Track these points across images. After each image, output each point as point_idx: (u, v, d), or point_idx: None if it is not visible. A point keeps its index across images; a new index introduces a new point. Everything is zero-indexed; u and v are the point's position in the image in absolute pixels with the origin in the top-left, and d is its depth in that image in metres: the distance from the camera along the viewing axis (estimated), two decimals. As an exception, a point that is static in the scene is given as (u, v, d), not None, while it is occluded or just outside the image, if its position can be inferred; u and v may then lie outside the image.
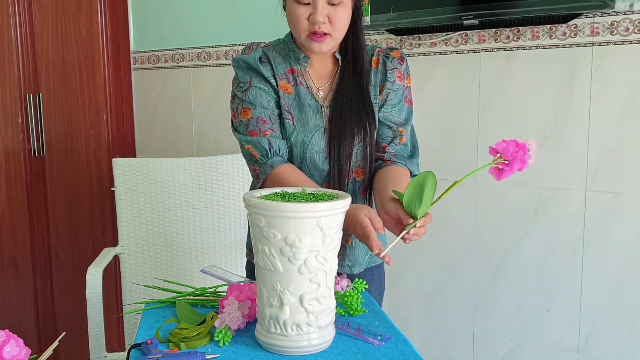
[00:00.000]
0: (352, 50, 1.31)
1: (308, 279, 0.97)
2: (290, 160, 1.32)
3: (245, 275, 1.42)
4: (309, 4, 1.22)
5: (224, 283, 1.29)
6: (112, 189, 2.17)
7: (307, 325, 0.98)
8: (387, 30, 1.92)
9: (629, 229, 1.64)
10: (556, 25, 1.68)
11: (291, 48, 1.34)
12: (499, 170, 0.99)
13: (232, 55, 2.36)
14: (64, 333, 1.09)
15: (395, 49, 1.39)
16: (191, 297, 1.25)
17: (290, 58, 1.34)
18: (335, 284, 1.17)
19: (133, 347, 1.03)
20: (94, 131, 2.58)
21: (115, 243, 2.27)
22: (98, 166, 2.60)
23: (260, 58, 1.32)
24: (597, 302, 1.71)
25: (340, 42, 1.29)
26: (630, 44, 1.59)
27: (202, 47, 2.44)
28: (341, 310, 1.17)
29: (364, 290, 1.24)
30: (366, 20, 1.86)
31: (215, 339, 1.05)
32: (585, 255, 1.72)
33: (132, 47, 2.65)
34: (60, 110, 2.52)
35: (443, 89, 1.91)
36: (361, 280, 1.25)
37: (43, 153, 2.51)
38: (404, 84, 1.36)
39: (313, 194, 1.06)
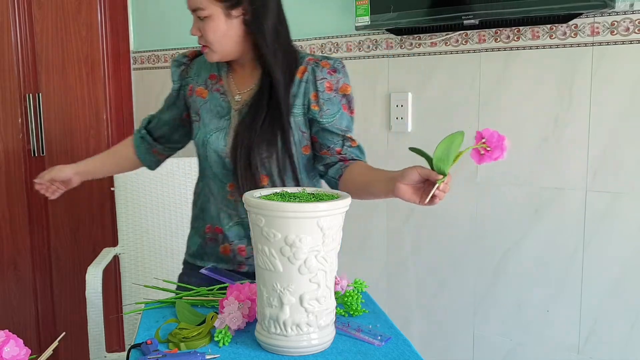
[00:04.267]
0: (260, 59, 1.36)
1: (308, 279, 0.97)
2: (199, 159, 1.46)
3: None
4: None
5: (224, 283, 1.29)
6: (112, 189, 2.17)
7: (307, 325, 0.98)
8: (387, 30, 1.92)
9: (629, 229, 1.64)
10: (556, 25, 1.68)
11: None
12: (480, 155, 1.06)
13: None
14: (64, 333, 1.09)
15: (327, 58, 1.40)
16: (191, 297, 1.25)
17: (214, 65, 1.44)
18: (335, 284, 1.17)
19: (133, 347, 1.03)
20: (94, 131, 2.58)
21: (115, 243, 2.27)
22: (98, 166, 2.59)
23: (181, 62, 1.49)
24: (597, 302, 1.71)
25: (229, 52, 1.36)
26: (631, 44, 1.59)
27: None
28: (341, 310, 1.17)
29: (364, 290, 1.24)
30: (366, 20, 1.86)
31: (215, 339, 1.05)
32: (585, 255, 1.72)
33: (132, 47, 2.65)
34: (60, 110, 2.52)
35: (443, 89, 1.91)
36: (361, 280, 1.25)
37: (43, 153, 2.51)
38: (338, 94, 1.37)
39: (313, 194, 1.06)
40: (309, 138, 1.40)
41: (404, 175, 1.11)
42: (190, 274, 1.51)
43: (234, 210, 1.40)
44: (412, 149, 1.10)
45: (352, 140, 1.39)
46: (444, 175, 1.06)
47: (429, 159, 1.07)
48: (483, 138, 1.03)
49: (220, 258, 1.45)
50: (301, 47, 2.17)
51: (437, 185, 1.06)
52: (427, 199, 1.08)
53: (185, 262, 1.56)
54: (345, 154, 1.38)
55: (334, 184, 1.39)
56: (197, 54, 1.49)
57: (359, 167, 1.35)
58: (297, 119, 1.36)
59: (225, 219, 1.41)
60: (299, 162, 1.39)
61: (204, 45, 1.35)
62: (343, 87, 1.38)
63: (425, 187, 1.10)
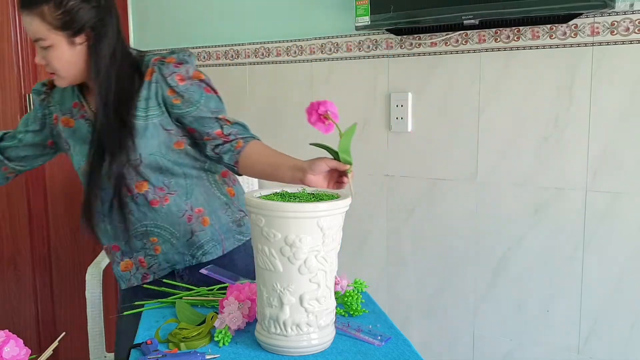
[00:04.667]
0: (95, 78, 1.38)
1: (308, 279, 0.97)
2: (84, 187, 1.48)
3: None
4: None
5: (224, 283, 1.29)
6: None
7: (307, 325, 0.98)
8: (387, 30, 1.92)
9: (629, 229, 1.64)
10: (556, 25, 1.68)
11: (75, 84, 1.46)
12: (326, 126, 1.11)
13: (232, 55, 2.36)
14: (64, 333, 1.09)
15: (172, 53, 1.44)
16: (191, 297, 1.25)
17: (75, 93, 1.47)
18: (335, 284, 1.17)
19: (133, 347, 1.03)
20: (94, 131, 2.58)
21: (115, 243, 2.26)
22: (98, 166, 2.59)
23: (40, 91, 1.52)
24: (597, 302, 1.71)
25: (77, 76, 1.39)
26: (631, 44, 1.59)
27: (202, 47, 2.44)
28: (341, 310, 1.17)
29: (364, 290, 1.24)
30: (366, 20, 1.86)
31: (215, 339, 1.05)
32: (585, 255, 1.72)
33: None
34: (60, 110, 2.52)
35: (443, 89, 1.90)
36: (361, 280, 1.25)
37: (43, 153, 2.50)
38: (194, 81, 1.41)
39: (313, 194, 1.06)
40: (182, 133, 1.43)
41: (313, 167, 1.17)
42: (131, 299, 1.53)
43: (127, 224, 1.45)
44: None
45: (227, 120, 1.42)
46: (350, 164, 1.14)
47: (333, 153, 1.16)
48: (327, 111, 1.10)
49: (121, 277, 1.51)
50: (301, 47, 2.17)
51: (347, 173, 1.15)
52: (341, 187, 1.18)
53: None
54: (228, 134, 1.40)
55: (236, 172, 1.43)
56: (50, 81, 1.51)
57: (256, 151, 1.38)
58: (154, 121, 1.39)
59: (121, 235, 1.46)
60: (173, 159, 1.42)
61: (51, 72, 1.37)
62: (195, 74, 1.42)
63: (331, 174, 1.18)
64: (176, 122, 1.42)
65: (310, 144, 1.18)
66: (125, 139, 1.37)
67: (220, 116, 1.42)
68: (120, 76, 1.38)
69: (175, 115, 1.41)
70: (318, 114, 1.10)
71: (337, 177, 1.18)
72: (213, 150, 1.41)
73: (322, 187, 1.17)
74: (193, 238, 1.46)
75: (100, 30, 1.34)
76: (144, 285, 1.43)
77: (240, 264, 1.51)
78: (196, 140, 1.44)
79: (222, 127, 1.40)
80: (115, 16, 1.38)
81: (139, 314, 1.24)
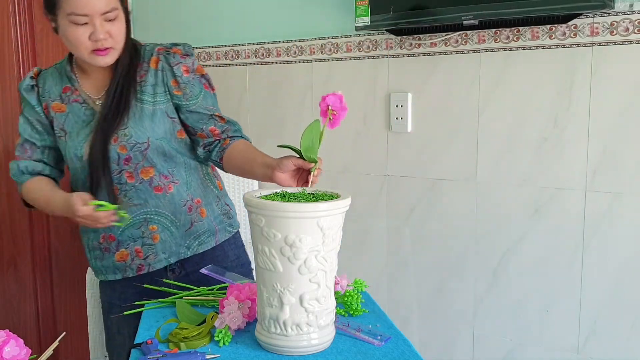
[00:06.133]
0: (128, 56, 1.41)
1: (308, 279, 0.97)
2: (75, 174, 1.45)
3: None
4: (85, 24, 1.30)
5: (224, 283, 1.29)
6: (112, 189, 2.17)
7: (307, 325, 0.98)
8: (387, 30, 1.92)
9: (629, 229, 1.64)
10: (556, 25, 1.68)
11: (65, 68, 1.46)
12: (331, 122, 1.12)
13: (232, 56, 2.36)
14: (64, 333, 1.09)
15: (176, 44, 1.47)
16: (191, 297, 1.25)
17: (64, 77, 1.46)
18: (335, 284, 1.17)
19: (133, 347, 1.03)
20: (94, 131, 2.58)
21: (115, 243, 2.26)
22: (98, 166, 2.59)
23: (30, 86, 1.46)
24: (597, 302, 1.71)
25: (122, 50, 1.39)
26: (630, 44, 1.59)
27: (203, 47, 2.44)
28: (341, 310, 1.17)
29: (364, 290, 1.24)
30: (366, 20, 1.86)
31: (215, 339, 1.05)
32: (585, 255, 1.72)
33: (132, 47, 2.65)
34: (60, 110, 2.52)
35: (443, 89, 1.91)
36: (361, 280, 1.25)
37: (43, 153, 2.50)
38: (196, 75, 1.45)
39: (313, 194, 1.06)
40: (181, 123, 1.46)
41: (281, 165, 1.20)
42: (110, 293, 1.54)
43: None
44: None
45: (221, 117, 1.46)
46: (315, 162, 1.15)
47: (297, 152, 1.18)
48: (329, 105, 1.10)
49: (117, 267, 1.49)
50: (301, 48, 2.17)
51: (312, 172, 1.16)
52: (308, 185, 1.18)
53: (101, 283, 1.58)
54: (221, 131, 1.44)
55: (221, 168, 1.46)
56: (38, 73, 1.50)
57: (238, 148, 1.42)
58: (161, 107, 1.42)
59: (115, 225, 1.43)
60: (176, 147, 1.45)
61: (107, 48, 1.34)
62: (199, 69, 1.47)
63: (300, 173, 1.21)
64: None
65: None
66: (124, 120, 1.40)
67: (215, 114, 1.45)
68: (143, 51, 1.45)
69: (175, 104, 1.45)
70: (324, 109, 1.11)
71: (306, 176, 1.19)
72: (202, 146, 1.46)
73: (291, 185, 1.20)
74: (192, 228, 1.47)
75: (125, 5, 1.38)
76: (135, 284, 1.45)
77: (232, 254, 1.56)
78: (190, 135, 1.48)
79: (215, 124, 1.45)
80: None
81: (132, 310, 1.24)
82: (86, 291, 1.86)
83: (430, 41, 1.90)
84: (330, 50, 2.10)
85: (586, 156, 1.69)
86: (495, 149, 1.83)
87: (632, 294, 1.66)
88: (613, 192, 1.66)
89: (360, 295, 1.20)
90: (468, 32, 1.82)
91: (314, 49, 2.14)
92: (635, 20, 1.57)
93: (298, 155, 1.19)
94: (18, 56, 2.41)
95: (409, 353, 1.00)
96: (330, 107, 1.09)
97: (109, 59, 1.36)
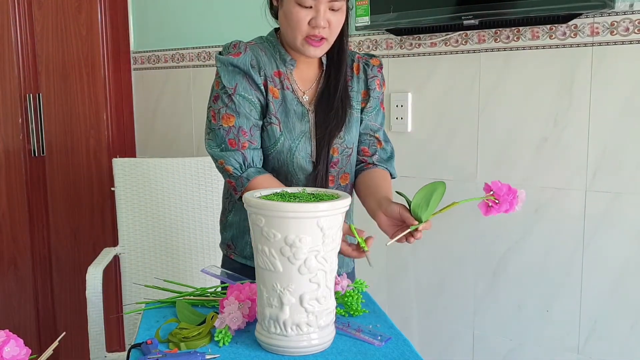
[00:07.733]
0: (337, 54, 1.33)
1: (308, 279, 0.97)
2: (278, 164, 1.32)
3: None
4: (310, 7, 1.22)
5: (224, 283, 1.29)
6: (112, 189, 2.17)
7: (307, 325, 0.98)
8: (387, 30, 1.92)
9: (629, 229, 1.64)
10: (556, 25, 1.68)
11: (277, 49, 1.33)
12: (488, 207, 1.09)
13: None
14: (64, 333, 1.09)
15: (374, 56, 1.43)
16: (191, 297, 1.25)
17: (276, 59, 1.32)
18: (335, 284, 1.17)
19: (133, 347, 1.03)
20: (94, 131, 2.58)
21: (115, 243, 2.27)
22: (98, 166, 2.60)
23: (251, 63, 1.28)
24: (597, 302, 1.71)
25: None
26: (630, 44, 1.59)
27: (202, 47, 2.44)
28: (341, 310, 1.17)
29: (364, 290, 1.24)
30: (366, 20, 1.86)
31: (215, 339, 1.05)
32: (585, 255, 1.72)
33: (132, 47, 2.65)
34: (60, 110, 2.52)
35: (443, 89, 1.91)
36: (361, 280, 1.25)
37: (43, 153, 2.51)
38: (382, 91, 1.42)
39: (313, 194, 1.06)
40: None
41: (388, 208, 1.17)
42: (243, 272, 1.41)
43: None
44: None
45: (380, 141, 1.43)
46: (420, 222, 1.12)
47: (409, 204, 1.13)
48: (491, 191, 1.06)
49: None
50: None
51: (408, 229, 1.12)
52: (396, 238, 1.14)
53: (233, 261, 1.44)
54: (370, 154, 1.42)
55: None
56: (246, 46, 1.31)
57: (371, 176, 1.38)
58: (358, 114, 1.39)
59: None
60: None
61: (321, 38, 1.24)
62: (384, 85, 1.44)
63: (403, 226, 1.16)
64: None
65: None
66: (355, 122, 1.36)
67: (376, 134, 1.42)
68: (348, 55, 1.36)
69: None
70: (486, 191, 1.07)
71: (406, 230, 1.13)
72: (359, 161, 1.43)
73: (388, 232, 1.17)
74: None
75: (349, 5, 1.29)
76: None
77: None
78: None
79: (369, 146, 1.42)
80: None
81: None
82: (86, 291, 1.86)
83: (430, 41, 1.90)
84: (330, 50, 2.10)
85: (586, 156, 1.68)
86: (495, 149, 1.83)
87: (632, 294, 1.66)
88: (613, 192, 1.66)
89: (361, 295, 1.20)
90: (468, 32, 1.82)
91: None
92: (635, 20, 1.57)
93: (409, 207, 1.14)
94: (18, 56, 2.41)
95: (409, 353, 1.00)
96: (492, 193, 1.04)
97: (320, 51, 1.26)
